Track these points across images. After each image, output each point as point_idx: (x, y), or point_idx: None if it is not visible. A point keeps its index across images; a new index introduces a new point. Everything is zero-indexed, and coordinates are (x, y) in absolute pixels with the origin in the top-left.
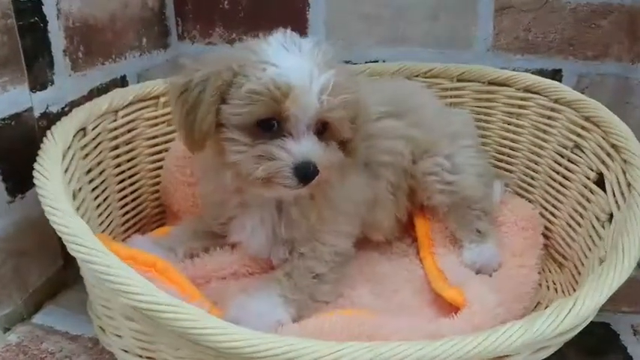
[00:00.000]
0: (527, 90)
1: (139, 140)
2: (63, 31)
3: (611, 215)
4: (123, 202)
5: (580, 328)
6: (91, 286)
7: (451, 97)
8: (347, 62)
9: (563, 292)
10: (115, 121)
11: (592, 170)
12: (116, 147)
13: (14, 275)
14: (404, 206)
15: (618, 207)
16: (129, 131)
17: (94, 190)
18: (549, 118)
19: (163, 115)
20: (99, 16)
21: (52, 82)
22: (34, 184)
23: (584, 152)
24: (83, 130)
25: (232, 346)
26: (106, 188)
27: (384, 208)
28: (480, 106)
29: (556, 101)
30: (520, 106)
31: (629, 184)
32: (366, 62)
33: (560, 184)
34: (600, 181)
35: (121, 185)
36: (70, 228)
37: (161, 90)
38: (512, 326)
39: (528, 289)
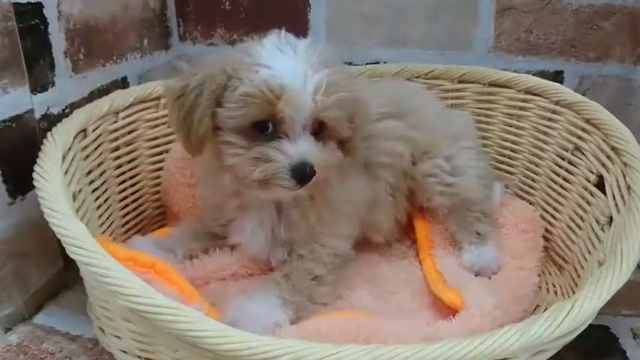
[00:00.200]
0: (528, 92)
1: (140, 141)
2: (64, 32)
3: (611, 218)
4: (123, 203)
5: (578, 332)
6: (91, 287)
7: (452, 98)
8: (348, 63)
9: (563, 294)
10: (115, 122)
11: (592, 173)
12: (117, 148)
13: (15, 276)
14: (403, 208)
15: (618, 210)
16: (129, 132)
17: (94, 191)
18: (550, 120)
19: (164, 116)
20: (100, 18)
21: (53, 84)
22: (34, 186)
23: (584, 154)
24: (84, 132)
25: (230, 348)
26: (106, 189)
27: (383, 210)
28: (480, 108)
29: (557, 103)
30: (521, 108)
31: (629, 187)
32: (366, 63)
33: (561, 186)
34: (600, 184)
35: (122, 186)
36: (69, 230)
37: (162, 91)
38: (509, 330)
39: (528, 291)
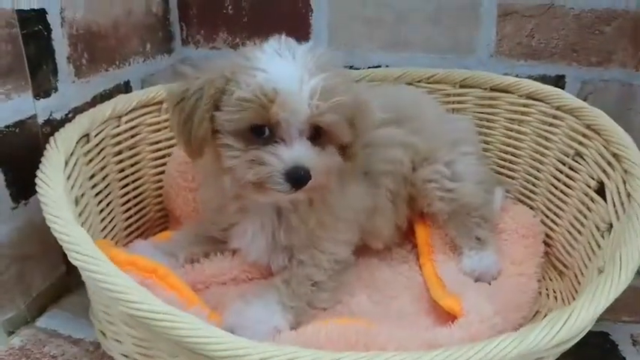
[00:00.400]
0: (529, 97)
1: (142, 145)
2: (67, 38)
3: (611, 225)
4: (126, 207)
5: (576, 340)
6: (92, 292)
7: (453, 102)
8: (349, 67)
9: (563, 300)
10: (118, 126)
11: (593, 179)
12: (119, 152)
13: (18, 280)
14: (404, 213)
15: (618, 217)
16: (132, 137)
17: (97, 195)
18: (551, 125)
19: (166, 120)
20: (102, 23)
21: (56, 89)
22: (37, 191)
23: (585, 160)
24: (86, 137)
25: (228, 354)
26: (109, 193)
27: (383, 216)
28: (482, 112)
29: (558, 108)
30: (522, 113)
31: (629, 195)
32: (368, 67)
33: (562, 191)
34: (601, 190)
35: (124, 190)
36: (71, 237)
37: (164, 96)
38: (507, 337)
39: (527, 297)
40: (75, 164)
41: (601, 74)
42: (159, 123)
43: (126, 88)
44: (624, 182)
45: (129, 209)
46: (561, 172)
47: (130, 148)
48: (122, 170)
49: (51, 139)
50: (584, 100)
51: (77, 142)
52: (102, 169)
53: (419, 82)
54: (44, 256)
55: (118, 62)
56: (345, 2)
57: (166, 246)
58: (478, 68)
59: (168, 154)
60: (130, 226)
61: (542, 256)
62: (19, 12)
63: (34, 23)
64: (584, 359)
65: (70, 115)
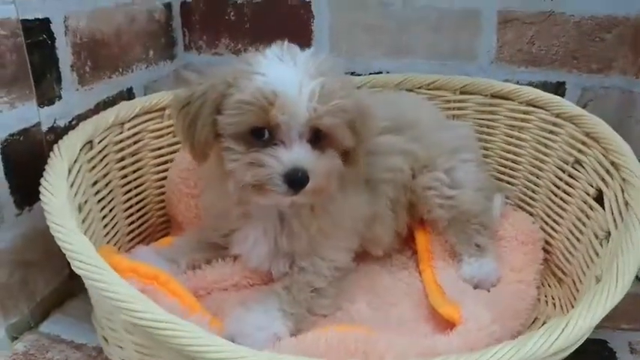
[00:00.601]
0: (529, 104)
1: (145, 151)
2: (70, 46)
3: (609, 233)
4: (128, 213)
5: (573, 348)
6: (95, 299)
7: (454, 109)
8: (351, 73)
9: (562, 307)
10: (121, 133)
11: (592, 186)
12: (122, 159)
13: (22, 285)
14: (404, 221)
15: (616, 225)
16: (135, 143)
17: (100, 201)
18: (551, 132)
19: (168, 126)
20: (106, 31)
21: (60, 97)
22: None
23: (584, 168)
24: (90, 143)
25: None
26: (112, 199)
27: (383, 224)
28: (482, 119)
29: (557, 116)
30: (522, 120)
31: (626, 203)
32: (369, 73)
33: (561, 198)
34: (600, 198)
35: (127, 196)
36: (74, 245)
37: (167, 102)
38: (504, 346)
39: (526, 304)
40: (78, 171)
41: (601, 81)
42: (161, 129)
43: (129, 94)
44: (622, 191)
45: (131, 215)
46: (561, 179)
47: (133, 154)
48: (125, 176)
49: (55, 146)
50: (585, 107)
51: (80, 150)
52: (105, 175)
53: (419, 88)
54: (48, 261)
55: (121, 69)
56: (347, 9)
57: (168, 252)
58: (479, 75)
59: (171, 160)
60: (132, 231)
61: (542, 262)
62: (24, 21)
63: (38, 32)
64: None
65: (73, 123)
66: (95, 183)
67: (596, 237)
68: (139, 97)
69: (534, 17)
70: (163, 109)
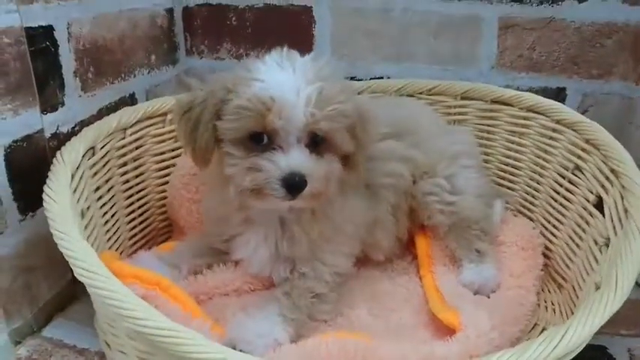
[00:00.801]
0: (529, 110)
1: (147, 157)
2: (73, 53)
3: (609, 240)
4: (131, 217)
5: (572, 355)
6: (97, 306)
7: (454, 114)
8: (351, 78)
9: (561, 313)
10: (123, 138)
11: (592, 193)
12: (124, 164)
13: (25, 291)
14: (404, 226)
15: (615, 233)
16: (137, 148)
17: (102, 206)
18: (551, 138)
19: (170, 131)
20: (108, 37)
21: (63, 104)
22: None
23: (584, 174)
24: (92, 149)
25: None
26: (114, 204)
27: (384, 229)
28: (483, 124)
29: (558, 122)
30: (523, 126)
31: (626, 210)
32: (370, 79)
33: (561, 204)
34: (600, 205)
35: (129, 201)
36: (76, 252)
37: (169, 107)
38: (504, 354)
39: (525, 311)
40: (81, 177)
41: (602, 87)
42: (163, 134)
43: (131, 99)
44: (622, 198)
45: (133, 219)
46: (561, 185)
47: (135, 159)
48: (127, 182)
49: (58, 153)
50: (585, 112)
51: (83, 156)
52: (107, 181)
53: (420, 93)
54: (50, 266)
55: (123, 75)
56: (348, 14)
57: (170, 258)
58: (479, 80)
59: (172, 165)
60: (134, 236)
61: (542, 268)
62: (27, 29)
63: (41, 40)
64: None
65: (76, 129)
66: (98, 189)
67: (596, 243)
68: (141, 102)
69: (535, 23)
70: (165, 114)
